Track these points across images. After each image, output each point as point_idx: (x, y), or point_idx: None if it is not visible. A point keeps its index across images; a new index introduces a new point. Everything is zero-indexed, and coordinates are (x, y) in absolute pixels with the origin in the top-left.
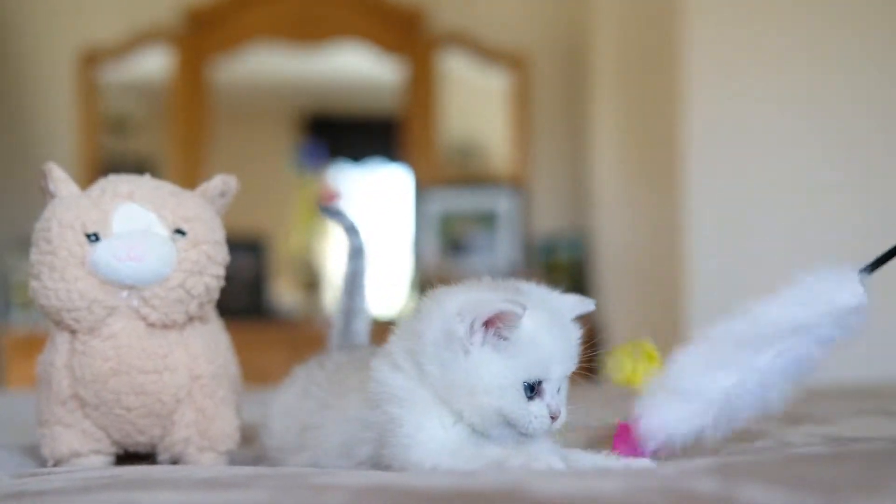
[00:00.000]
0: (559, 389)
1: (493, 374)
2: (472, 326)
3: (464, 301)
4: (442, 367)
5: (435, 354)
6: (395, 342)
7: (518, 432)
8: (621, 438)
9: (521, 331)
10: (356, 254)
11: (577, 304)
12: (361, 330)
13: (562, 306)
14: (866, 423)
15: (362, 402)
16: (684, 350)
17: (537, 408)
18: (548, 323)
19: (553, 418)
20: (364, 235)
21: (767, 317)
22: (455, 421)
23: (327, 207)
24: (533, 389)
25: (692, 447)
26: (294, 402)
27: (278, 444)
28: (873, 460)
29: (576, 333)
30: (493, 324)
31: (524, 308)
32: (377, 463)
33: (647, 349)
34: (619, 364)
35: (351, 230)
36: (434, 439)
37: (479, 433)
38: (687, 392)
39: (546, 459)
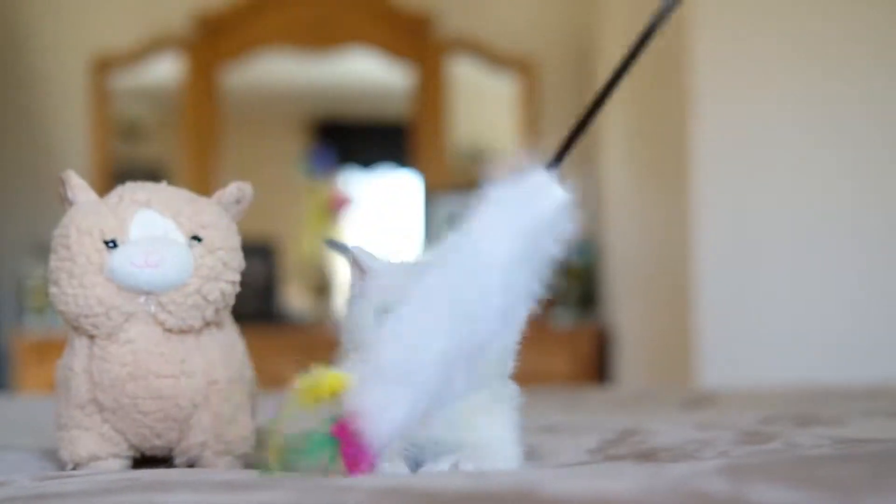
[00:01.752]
0: None
1: None
2: None
3: None
4: None
5: None
6: None
7: None
8: (348, 445)
9: None
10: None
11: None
12: None
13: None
14: (875, 425)
15: None
16: (390, 321)
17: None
18: None
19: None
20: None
21: (477, 258)
22: None
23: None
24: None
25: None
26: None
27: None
28: (885, 460)
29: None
30: None
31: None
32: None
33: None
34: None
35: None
36: None
37: None
38: (397, 371)
39: None
